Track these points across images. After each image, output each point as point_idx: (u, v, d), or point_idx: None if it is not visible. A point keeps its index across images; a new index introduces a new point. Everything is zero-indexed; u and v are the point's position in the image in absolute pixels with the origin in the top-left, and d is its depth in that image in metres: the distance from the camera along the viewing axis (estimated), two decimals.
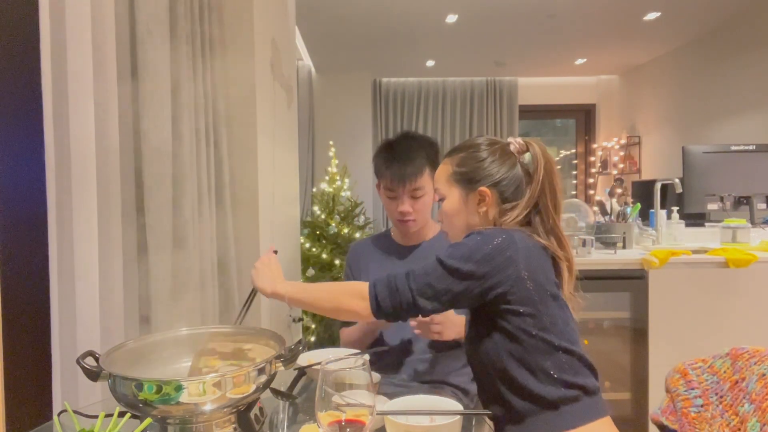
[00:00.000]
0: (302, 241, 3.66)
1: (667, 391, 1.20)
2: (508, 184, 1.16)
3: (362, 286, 1.10)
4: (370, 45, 5.33)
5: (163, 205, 1.38)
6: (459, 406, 1.00)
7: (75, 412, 0.87)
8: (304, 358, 1.30)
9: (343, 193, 4.09)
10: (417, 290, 1.04)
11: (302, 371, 1.33)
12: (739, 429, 1.01)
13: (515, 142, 1.19)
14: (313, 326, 3.65)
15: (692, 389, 1.15)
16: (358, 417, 0.76)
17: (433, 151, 1.62)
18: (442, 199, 1.21)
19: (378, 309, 1.07)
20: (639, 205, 2.77)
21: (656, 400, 1.23)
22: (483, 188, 1.15)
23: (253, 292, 1.21)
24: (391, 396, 1.09)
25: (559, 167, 1.19)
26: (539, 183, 1.13)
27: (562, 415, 1.02)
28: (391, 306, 1.06)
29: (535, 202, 1.13)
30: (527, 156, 1.19)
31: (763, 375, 1.02)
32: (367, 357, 1.17)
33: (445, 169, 1.22)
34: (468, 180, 1.17)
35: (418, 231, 1.65)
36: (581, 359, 1.07)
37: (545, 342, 1.04)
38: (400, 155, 1.58)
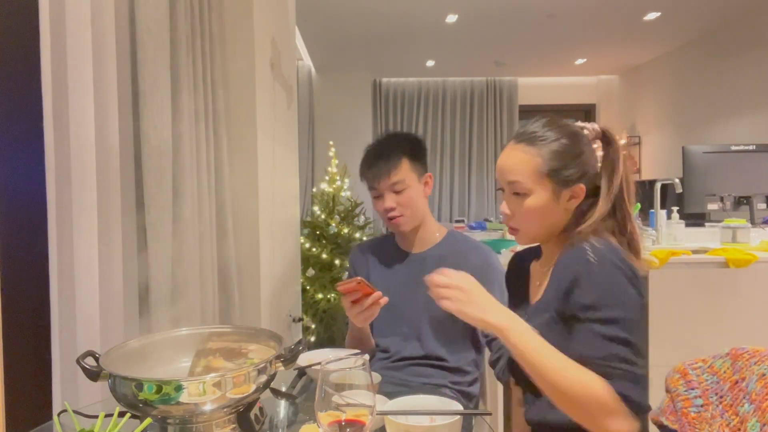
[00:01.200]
0: (302, 241, 3.66)
1: (667, 391, 1.20)
2: (595, 180, 1.06)
3: (605, 398, 0.88)
4: (370, 45, 5.33)
5: (163, 205, 1.38)
6: (459, 407, 1.00)
7: (75, 412, 0.87)
8: (304, 358, 1.30)
9: (343, 193, 4.09)
10: (640, 356, 0.92)
11: (302, 371, 1.33)
12: (739, 429, 1.01)
13: (590, 128, 1.08)
14: (313, 326, 3.65)
15: (692, 389, 1.15)
16: (358, 417, 0.76)
17: (410, 144, 1.57)
18: (522, 194, 1.05)
19: (639, 409, 0.91)
20: (639, 205, 2.77)
21: (656, 400, 1.22)
22: (580, 185, 1.04)
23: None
24: (391, 396, 1.09)
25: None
26: (619, 177, 1.04)
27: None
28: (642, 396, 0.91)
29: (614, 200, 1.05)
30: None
31: (763, 375, 1.02)
32: (367, 357, 1.17)
33: (530, 160, 1.04)
34: (566, 177, 1.03)
35: (418, 234, 1.60)
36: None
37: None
38: (378, 153, 1.56)
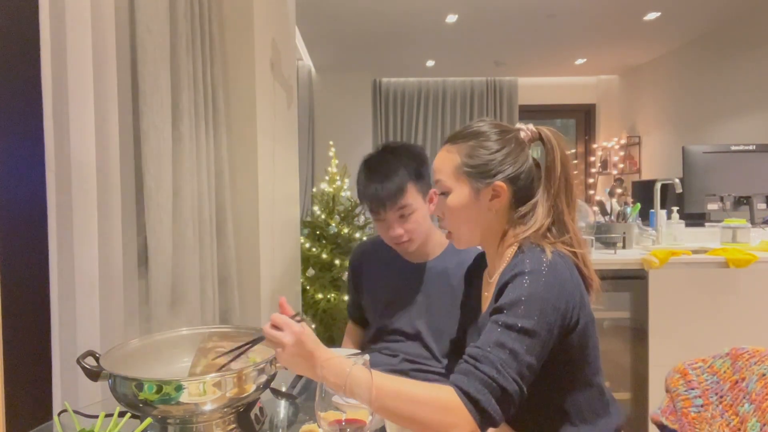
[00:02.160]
0: (302, 241, 3.66)
1: (667, 391, 1.20)
2: (524, 179, 1.04)
3: (448, 396, 0.84)
4: (370, 45, 5.33)
5: (163, 205, 1.38)
6: None
7: (75, 412, 0.87)
8: None
9: (343, 193, 4.09)
10: (522, 379, 0.85)
11: None
12: (739, 429, 1.01)
13: (526, 130, 1.06)
14: (313, 326, 3.65)
15: (692, 389, 1.15)
16: (358, 417, 0.76)
17: (415, 162, 1.47)
18: (445, 193, 1.06)
19: (487, 420, 0.83)
20: (639, 205, 2.77)
21: (656, 400, 1.23)
22: (499, 182, 1.02)
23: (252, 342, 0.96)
24: None
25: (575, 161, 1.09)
26: (557, 179, 1.01)
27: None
28: (503, 413, 0.84)
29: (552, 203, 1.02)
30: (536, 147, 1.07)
31: (763, 375, 1.02)
32: (367, 357, 1.17)
33: (450, 159, 1.06)
34: (481, 174, 1.02)
35: (420, 247, 1.53)
36: (604, 395, 1.03)
37: (586, 379, 0.98)
38: (378, 174, 1.43)
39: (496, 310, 0.91)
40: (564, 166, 1.03)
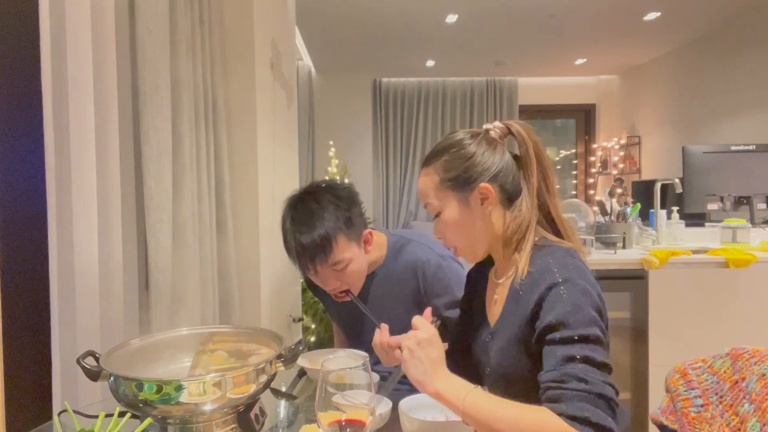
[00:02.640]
0: None
1: (667, 391, 1.20)
2: (506, 174, 1.04)
3: (555, 423, 0.79)
4: (370, 45, 5.33)
5: (163, 205, 1.38)
6: None
7: (75, 412, 0.87)
8: (304, 358, 1.30)
9: None
10: (608, 378, 0.85)
11: (302, 371, 1.33)
12: (739, 429, 1.01)
13: (494, 128, 1.06)
14: (313, 326, 3.65)
15: (692, 389, 1.15)
16: (358, 417, 0.76)
17: (342, 207, 1.33)
18: (438, 214, 1.07)
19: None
20: (639, 205, 2.77)
21: (656, 400, 1.23)
22: (483, 184, 1.02)
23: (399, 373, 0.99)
24: (392, 395, 1.09)
25: (558, 167, 1.11)
26: (534, 170, 1.02)
27: None
28: (613, 418, 0.81)
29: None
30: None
31: (763, 375, 1.02)
32: (367, 357, 1.17)
33: (429, 180, 1.06)
34: (462, 182, 1.03)
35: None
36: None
37: None
38: (303, 225, 1.29)
39: (548, 329, 0.89)
40: (538, 155, 1.03)
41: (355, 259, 1.34)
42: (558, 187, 1.08)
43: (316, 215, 1.30)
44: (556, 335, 0.87)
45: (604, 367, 0.85)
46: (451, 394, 0.85)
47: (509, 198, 1.05)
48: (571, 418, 0.79)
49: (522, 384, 0.96)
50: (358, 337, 1.56)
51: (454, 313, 1.34)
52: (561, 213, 1.05)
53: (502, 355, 1.00)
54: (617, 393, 0.84)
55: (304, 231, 1.29)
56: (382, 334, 1.19)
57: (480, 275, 1.20)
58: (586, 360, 0.84)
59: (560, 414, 0.80)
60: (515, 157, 1.07)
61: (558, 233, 1.04)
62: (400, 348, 1.07)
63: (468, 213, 1.04)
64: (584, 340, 0.86)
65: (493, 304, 1.10)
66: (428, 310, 1.01)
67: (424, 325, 0.93)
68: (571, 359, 0.84)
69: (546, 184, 1.04)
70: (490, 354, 1.05)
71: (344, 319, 1.62)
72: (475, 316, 1.17)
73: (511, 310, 1.01)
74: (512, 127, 1.05)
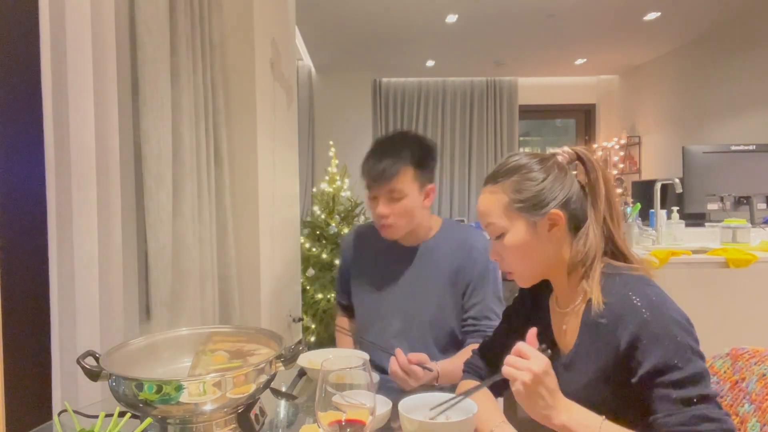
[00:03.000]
0: (302, 241, 3.66)
1: None
2: (576, 201, 1.01)
3: None
4: (370, 45, 5.33)
5: (163, 205, 1.38)
6: (475, 405, 0.98)
7: (75, 412, 0.87)
8: (304, 358, 1.30)
9: (343, 193, 4.09)
10: (722, 408, 0.87)
11: (302, 371, 1.33)
12: (739, 429, 1.01)
13: (563, 153, 1.04)
14: (313, 326, 3.65)
15: None
16: (358, 417, 0.76)
17: (421, 150, 1.48)
18: (500, 235, 1.02)
19: None
20: (639, 205, 2.77)
21: None
22: (554, 210, 0.99)
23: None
24: (392, 395, 1.09)
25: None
26: (602, 198, 1.00)
27: None
28: None
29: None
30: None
31: (763, 375, 1.02)
32: (367, 357, 1.17)
33: (496, 199, 1.02)
34: (534, 206, 1.00)
35: (410, 232, 1.53)
36: None
37: None
38: (382, 152, 1.46)
39: (656, 374, 0.88)
40: (607, 183, 1.02)
41: (411, 197, 1.45)
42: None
43: (396, 146, 1.47)
44: (666, 378, 0.87)
45: (716, 401, 0.86)
46: (583, 426, 0.86)
47: (576, 225, 1.02)
48: None
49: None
50: (380, 321, 1.57)
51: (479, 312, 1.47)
52: (626, 241, 1.03)
53: (586, 391, 0.97)
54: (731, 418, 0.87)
55: (379, 156, 1.45)
56: (399, 358, 1.21)
57: (538, 298, 1.15)
58: (704, 399, 0.85)
59: None
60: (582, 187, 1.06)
61: (622, 259, 1.02)
62: (422, 367, 1.14)
63: (534, 238, 1.01)
64: (696, 379, 0.86)
65: (563, 334, 1.06)
66: (532, 333, 0.95)
67: (535, 355, 0.89)
68: (688, 401, 0.85)
69: (610, 213, 1.02)
70: (562, 381, 1.00)
71: (366, 305, 1.63)
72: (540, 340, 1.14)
73: (591, 343, 0.98)
74: (580, 153, 1.04)
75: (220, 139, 1.77)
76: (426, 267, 1.54)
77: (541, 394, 0.87)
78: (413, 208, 1.47)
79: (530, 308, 1.17)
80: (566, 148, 1.05)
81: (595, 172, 1.02)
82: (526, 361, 0.88)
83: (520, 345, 0.91)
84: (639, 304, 0.90)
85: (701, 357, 0.88)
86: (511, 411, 1.11)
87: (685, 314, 0.92)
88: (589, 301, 0.97)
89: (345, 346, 1.69)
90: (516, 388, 0.88)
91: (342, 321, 1.76)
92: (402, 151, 1.45)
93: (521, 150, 1.15)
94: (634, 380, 0.90)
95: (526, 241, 1.01)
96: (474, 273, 1.50)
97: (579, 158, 1.04)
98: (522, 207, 1.00)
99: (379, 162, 1.44)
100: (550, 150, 1.06)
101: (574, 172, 1.06)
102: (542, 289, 1.12)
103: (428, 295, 1.52)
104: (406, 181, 1.44)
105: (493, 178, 1.05)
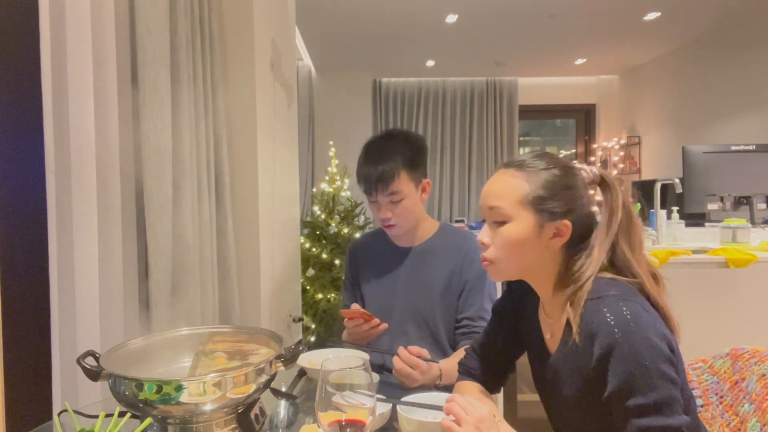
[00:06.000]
0: (302, 241, 3.66)
1: None
2: (587, 220, 0.99)
3: None
4: (370, 45, 5.33)
5: (163, 205, 1.38)
6: None
7: (75, 412, 0.87)
8: (304, 358, 1.30)
9: (343, 193, 4.09)
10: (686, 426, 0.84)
11: (302, 371, 1.33)
12: (739, 429, 1.01)
13: (588, 171, 1.01)
14: (313, 326, 3.65)
15: (692, 389, 1.15)
16: (358, 417, 0.76)
17: (411, 150, 1.52)
18: (501, 222, 0.98)
19: None
20: (639, 205, 2.77)
21: None
22: (566, 221, 0.96)
23: None
24: (392, 395, 1.09)
25: None
26: (618, 222, 0.98)
27: None
28: None
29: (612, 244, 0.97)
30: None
31: (763, 375, 1.02)
32: (367, 357, 1.17)
33: (517, 185, 0.97)
34: (552, 209, 0.96)
35: (410, 232, 1.60)
36: None
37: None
38: (374, 158, 1.51)
39: (619, 395, 0.86)
40: (626, 209, 0.99)
41: (410, 197, 1.52)
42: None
43: (387, 150, 1.51)
44: (629, 403, 0.84)
45: (683, 430, 0.83)
46: None
47: (575, 241, 1.00)
48: None
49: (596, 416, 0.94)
50: (393, 317, 1.58)
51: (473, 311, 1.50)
52: (646, 267, 0.99)
53: (576, 402, 0.97)
54: None
55: (373, 162, 1.50)
56: (402, 354, 1.23)
57: (526, 298, 1.14)
58: (664, 429, 0.82)
59: None
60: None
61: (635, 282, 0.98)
62: (424, 359, 1.16)
63: (534, 239, 0.97)
64: (659, 407, 0.83)
65: (551, 340, 1.05)
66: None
67: (472, 406, 0.89)
68: (645, 429, 0.83)
69: (631, 236, 0.98)
70: (554, 386, 1.02)
71: (375, 300, 1.66)
72: (532, 347, 1.13)
73: (572, 359, 0.96)
74: (606, 176, 1.02)
75: (220, 139, 1.77)
76: (422, 269, 1.58)
77: None
78: (413, 207, 1.54)
79: (518, 305, 1.16)
80: (594, 169, 1.02)
81: (616, 197, 0.99)
82: (462, 411, 0.88)
83: (456, 398, 0.90)
84: (612, 322, 0.87)
85: (672, 381, 0.84)
86: (511, 411, 1.11)
87: (664, 332, 0.88)
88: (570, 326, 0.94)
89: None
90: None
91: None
92: (394, 156, 1.49)
93: (549, 152, 1.16)
94: (604, 398, 0.88)
95: (525, 238, 0.96)
96: (470, 275, 1.52)
97: (602, 181, 1.02)
98: (539, 205, 0.96)
99: (375, 170, 1.49)
100: (578, 164, 1.03)
101: (591, 192, 1.03)
102: (531, 291, 1.10)
103: (424, 297, 1.55)
104: (403, 183, 1.50)
105: (520, 165, 0.99)
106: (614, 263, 0.98)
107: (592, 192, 1.03)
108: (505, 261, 0.99)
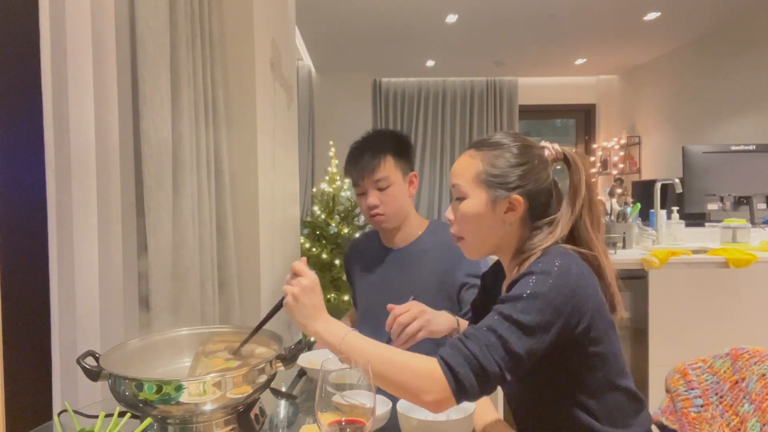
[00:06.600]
0: (302, 241, 3.66)
1: (667, 391, 1.20)
2: (540, 197, 1.04)
3: (430, 365, 0.87)
4: (370, 45, 5.33)
5: (163, 205, 1.38)
6: (472, 404, 0.99)
7: (75, 412, 0.87)
8: (304, 358, 1.30)
9: (343, 193, 4.09)
10: (505, 365, 0.86)
11: (302, 371, 1.33)
12: (739, 429, 1.01)
13: (551, 149, 1.06)
14: None
15: (692, 389, 1.15)
16: (358, 417, 0.76)
17: (396, 142, 1.57)
18: (461, 198, 1.05)
19: (462, 392, 0.85)
20: (639, 205, 2.77)
21: (656, 400, 1.22)
22: (516, 196, 1.01)
23: (279, 305, 1.00)
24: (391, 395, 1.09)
25: (558, 167, 1.08)
26: (582, 200, 1.02)
27: None
28: (479, 388, 0.86)
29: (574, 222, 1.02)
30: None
31: (763, 375, 1.02)
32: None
33: (472, 164, 1.04)
34: (501, 184, 1.01)
35: (401, 230, 1.60)
36: (635, 397, 1.04)
37: (609, 381, 0.99)
38: (362, 149, 1.55)
39: (499, 301, 0.92)
40: (589, 188, 1.03)
41: (396, 184, 1.54)
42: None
43: (374, 140, 1.57)
44: (500, 307, 0.90)
45: (510, 354, 0.86)
46: (331, 334, 0.93)
47: (534, 217, 1.05)
48: (446, 364, 0.86)
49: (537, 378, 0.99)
50: (374, 320, 1.57)
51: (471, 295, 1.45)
52: (603, 244, 1.04)
53: (520, 384, 1.01)
54: (503, 378, 0.86)
55: (361, 150, 1.55)
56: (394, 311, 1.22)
57: (492, 282, 1.21)
58: (502, 339, 0.87)
59: (443, 357, 0.87)
60: (555, 185, 1.08)
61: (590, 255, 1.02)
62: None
63: (490, 213, 1.03)
64: (517, 324, 0.87)
65: None
66: (303, 259, 1.05)
67: (306, 272, 0.97)
68: (492, 330, 0.88)
69: (592, 215, 1.03)
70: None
71: (361, 308, 1.69)
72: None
73: None
74: (568, 154, 1.06)
75: (220, 139, 1.77)
76: (414, 268, 1.58)
77: (305, 304, 0.94)
78: (400, 196, 1.56)
79: (491, 293, 1.20)
80: (557, 146, 1.07)
81: (578, 174, 1.03)
82: (297, 278, 0.97)
83: (294, 263, 0.99)
84: (540, 263, 0.94)
85: (541, 324, 0.87)
86: (511, 413, 1.12)
87: (588, 292, 0.92)
88: None
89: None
90: (286, 300, 0.95)
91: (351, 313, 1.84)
92: (379, 143, 1.55)
93: (511, 132, 1.19)
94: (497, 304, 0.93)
95: (481, 213, 1.03)
96: (468, 271, 1.51)
97: (565, 159, 1.06)
98: (489, 181, 1.02)
99: (361, 157, 1.53)
100: (543, 142, 1.08)
101: (558, 167, 1.08)
102: (501, 275, 1.16)
103: (417, 296, 1.52)
104: (389, 168, 1.53)
105: (477, 146, 1.07)
106: (575, 238, 1.03)
107: (558, 167, 1.08)
108: (469, 236, 1.07)
